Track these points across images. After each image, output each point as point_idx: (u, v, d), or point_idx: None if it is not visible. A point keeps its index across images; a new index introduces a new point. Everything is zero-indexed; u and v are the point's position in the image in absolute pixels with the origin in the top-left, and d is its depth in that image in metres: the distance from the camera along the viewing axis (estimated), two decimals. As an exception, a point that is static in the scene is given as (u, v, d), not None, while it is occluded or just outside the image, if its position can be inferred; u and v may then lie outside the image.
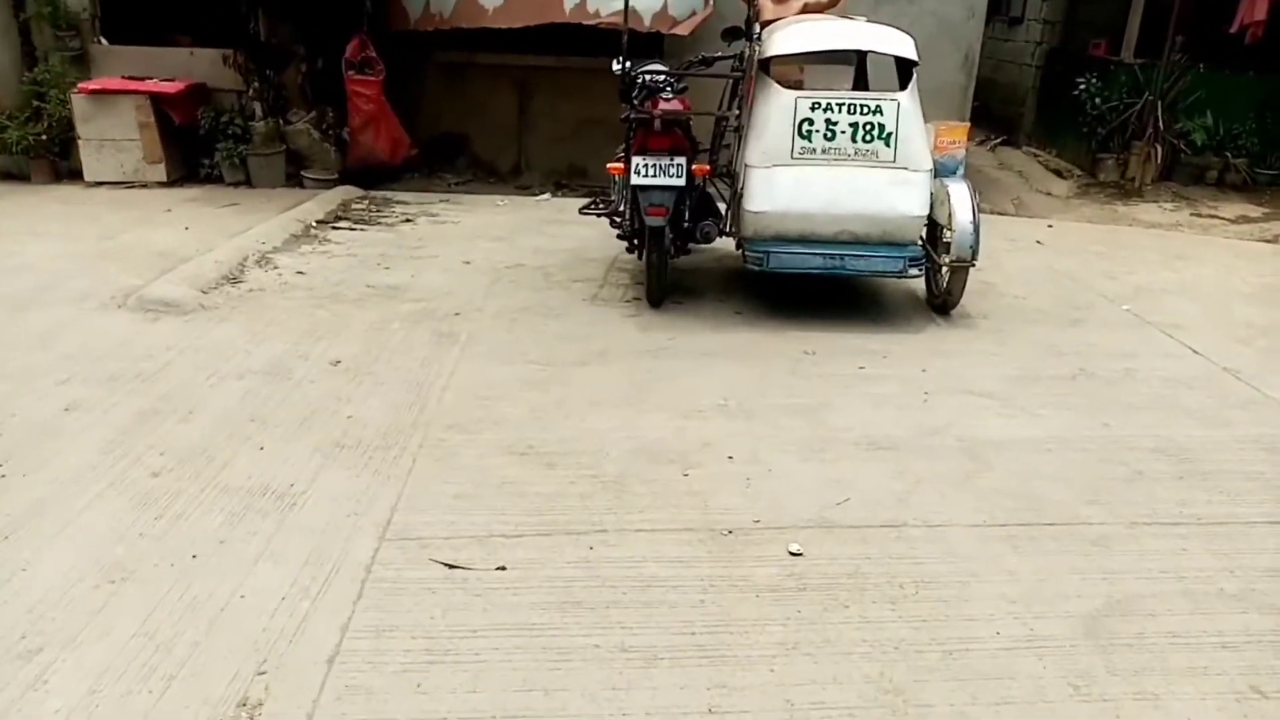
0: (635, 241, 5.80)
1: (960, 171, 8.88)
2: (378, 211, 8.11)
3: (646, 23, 8.81)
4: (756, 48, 5.52)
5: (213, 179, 8.98)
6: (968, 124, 9.12)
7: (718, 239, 5.62)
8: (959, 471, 3.79)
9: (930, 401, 4.47)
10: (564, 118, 9.79)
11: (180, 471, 3.65)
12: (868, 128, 5.24)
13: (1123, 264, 7.20)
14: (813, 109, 5.23)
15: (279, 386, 4.47)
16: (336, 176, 8.98)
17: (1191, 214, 9.80)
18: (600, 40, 9.09)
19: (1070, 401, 4.54)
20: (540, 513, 3.41)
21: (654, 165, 5.28)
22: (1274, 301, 6.40)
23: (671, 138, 5.30)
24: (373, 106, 8.99)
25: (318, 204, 8.06)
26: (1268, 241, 8.57)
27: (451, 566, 3.07)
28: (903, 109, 5.25)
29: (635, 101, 5.87)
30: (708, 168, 5.57)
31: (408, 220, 7.81)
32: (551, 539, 3.24)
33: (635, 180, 5.30)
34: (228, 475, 3.63)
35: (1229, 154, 10.49)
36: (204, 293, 5.75)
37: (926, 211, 5.36)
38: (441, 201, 8.55)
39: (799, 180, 5.28)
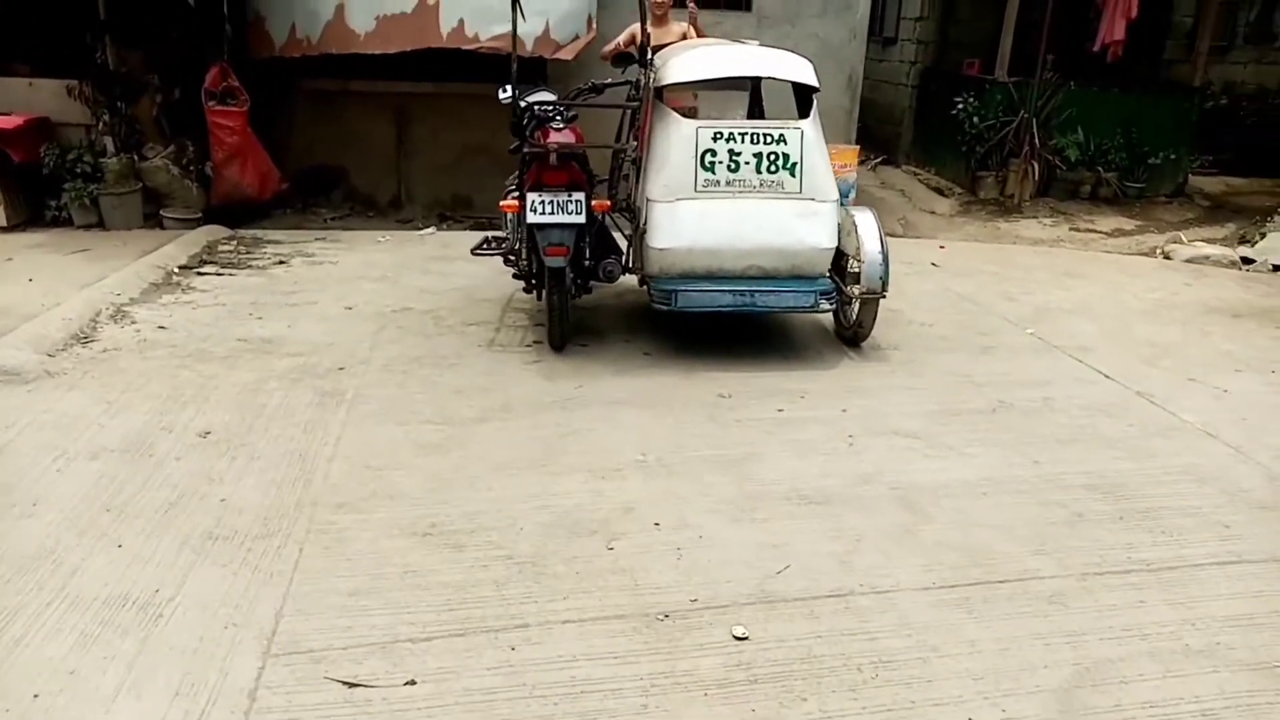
0: (533, 282, 5.44)
1: (852, 195, 8.84)
2: (247, 253, 7.53)
3: (529, 47, 8.49)
4: (651, 74, 5.26)
5: (60, 222, 8.22)
6: (856, 147, 9.10)
7: (621, 276, 5.31)
8: (898, 525, 3.56)
9: (856, 445, 4.26)
10: (446, 146, 9.39)
11: (19, 582, 3.12)
12: (772, 158, 5.03)
13: (1017, 284, 7.22)
14: (715, 139, 5.00)
15: (139, 466, 3.94)
16: (200, 215, 8.34)
17: (1070, 229, 10.03)
18: (480, 65, 8.74)
19: (996, 437, 4.40)
20: (451, 607, 3.02)
21: (551, 202, 4.95)
22: (1168, 319, 6.48)
23: (568, 172, 4.98)
24: (237, 139, 8.40)
25: (180, 247, 7.43)
26: (1146, 255, 8.79)
27: (352, 685, 2.65)
28: (806, 138, 5.06)
29: (526, 133, 5.55)
30: (608, 203, 5.27)
31: (281, 262, 7.26)
32: (466, 640, 2.86)
33: (532, 218, 4.95)
34: (79, 583, 3.12)
35: (1100, 169, 10.81)
36: (50, 356, 5.13)
37: (835, 243, 5.18)
38: (317, 240, 8.01)
39: (703, 214, 5.02)
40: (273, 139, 8.82)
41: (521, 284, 5.63)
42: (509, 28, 8.37)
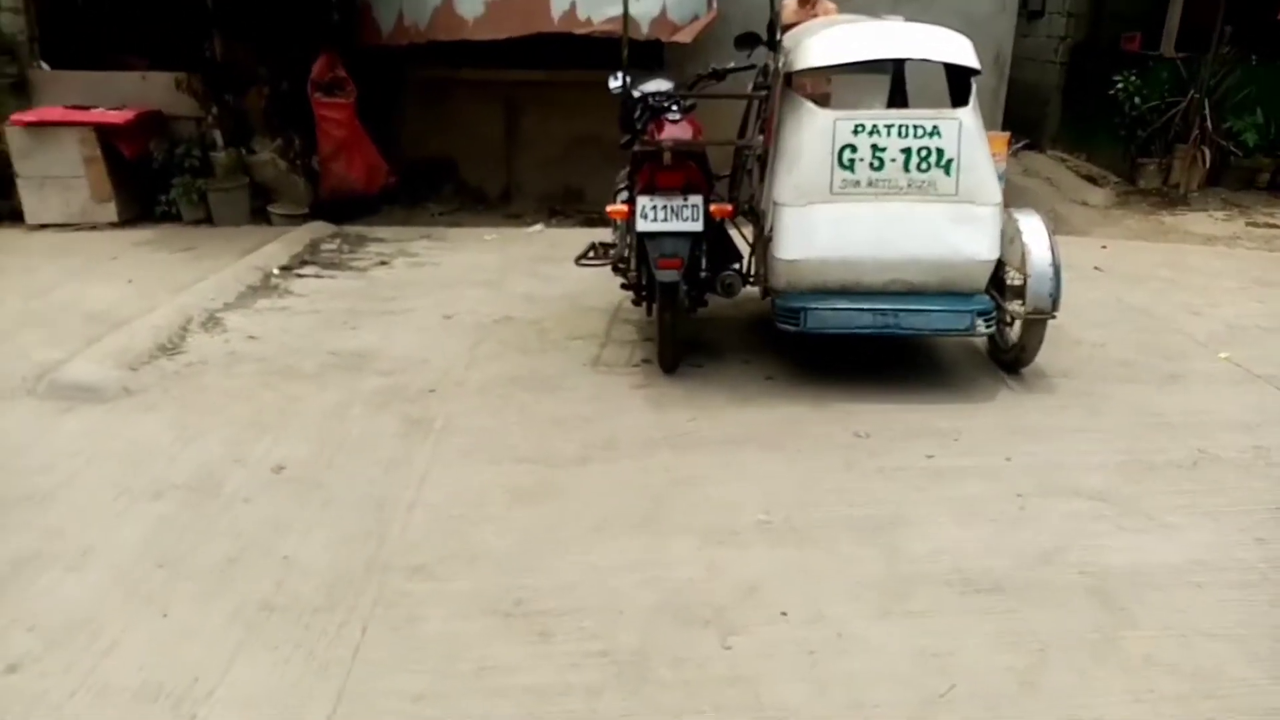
0: (642, 295, 4.87)
1: (1000, 188, 7.93)
2: (350, 252, 7.18)
3: (644, 30, 7.90)
4: (781, 58, 4.59)
5: (170, 217, 8.06)
6: (1006, 134, 8.18)
7: (742, 290, 4.68)
8: (1093, 629, 2.84)
9: (1028, 509, 3.53)
10: (556, 137, 8.88)
11: (49, 661, 2.72)
12: (923, 154, 4.30)
13: (1200, 293, 6.26)
14: (856, 133, 4.30)
15: (203, 509, 3.53)
16: (307, 211, 8.07)
17: (1247, 223, 8.85)
18: (593, 50, 8.19)
19: (1203, 502, 3.60)
20: (531, 723, 2.48)
21: (664, 207, 4.35)
22: (1394, 339, 5.46)
23: (685, 173, 4.37)
24: (344, 132, 8.09)
25: (282, 246, 7.13)
26: (1350, 256, 7.63)
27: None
28: (965, 130, 4.32)
29: (638, 126, 4.97)
30: (729, 208, 4.63)
31: (383, 263, 6.88)
32: (548, 775, 2.31)
33: (642, 226, 4.36)
34: (111, 666, 2.70)
35: (1281, 154, 9.57)
36: (133, 370, 4.82)
37: (997, 254, 4.42)
38: (422, 238, 7.61)
39: (841, 220, 4.34)
40: (381, 131, 8.49)
41: (630, 295, 5.06)
42: (622, 9, 7.94)
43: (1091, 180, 10.22)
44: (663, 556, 3.21)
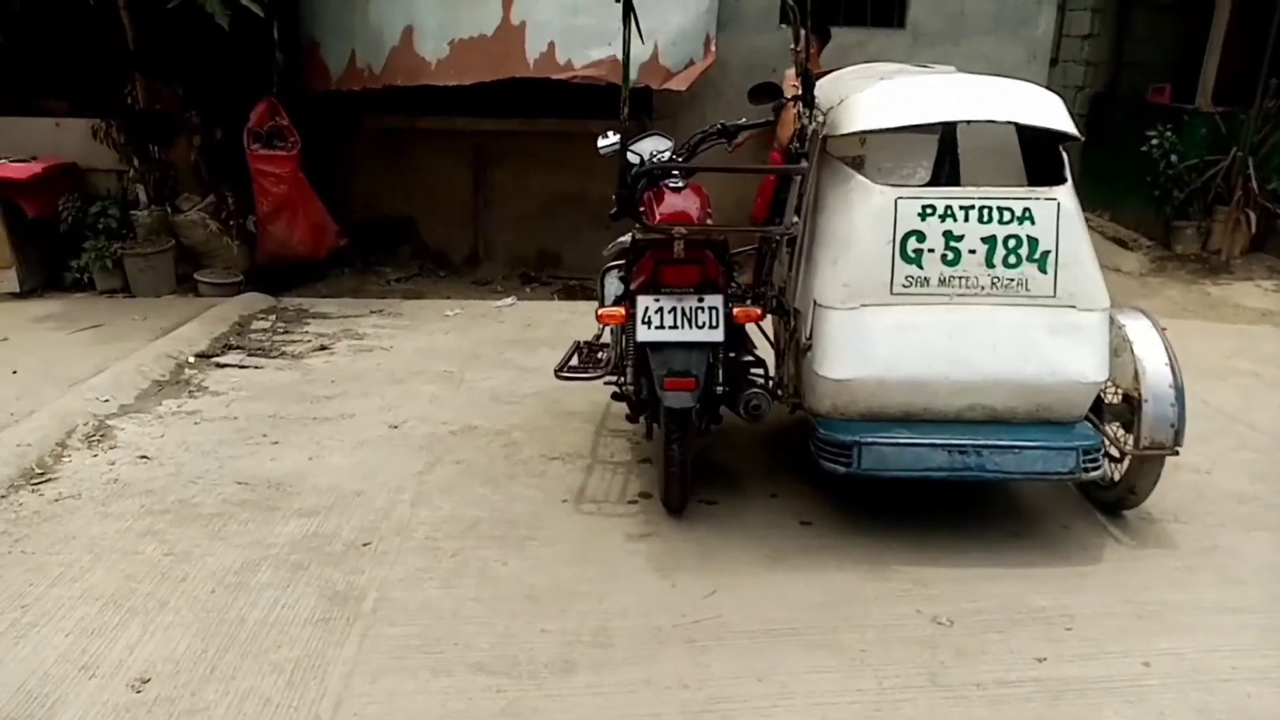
0: (641, 412, 3.81)
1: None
2: (285, 333, 6.08)
3: (633, 76, 6.89)
4: (819, 118, 3.59)
5: (82, 286, 7.00)
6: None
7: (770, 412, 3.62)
8: None
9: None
10: (531, 194, 7.88)
11: None
12: (1012, 244, 3.30)
13: (1295, 390, 5.30)
14: (924, 216, 3.29)
15: (10, 770, 2.41)
16: (240, 279, 7.00)
17: (1302, 296, 7.96)
18: (573, 97, 7.24)
19: None
20: None
21: (673, 310, 3.31)
22: None
23: (700, 266, 3.34)
24: (286, 188, 7.02)
25: (204, 325, 6.02)
26: None
27: None
28: (1065, 214, 3.32)
29: (630, 192, 3.99)
30: (758, 311, 3.56)
31: (323, 348, 5.78)
32: None
33: (645, 335, 3.32)
34: None
35: (1334, 218, 8.71)
36: (-23, 510, 3.70)
37: (1106, 373, 3.40)
38: (373, 313, 6.52)
39: (905, 329, 3.32)
40: (329, 187, 7.46)
41: (625, 406, 4.00)
42: (609, 51, 6.95)
43: (1121, 243, 9.34)
44: None
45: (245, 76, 6.99)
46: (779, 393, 3.72)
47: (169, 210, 7.07)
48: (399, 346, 5.82)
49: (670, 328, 3.31)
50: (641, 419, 3.92)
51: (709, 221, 4.49)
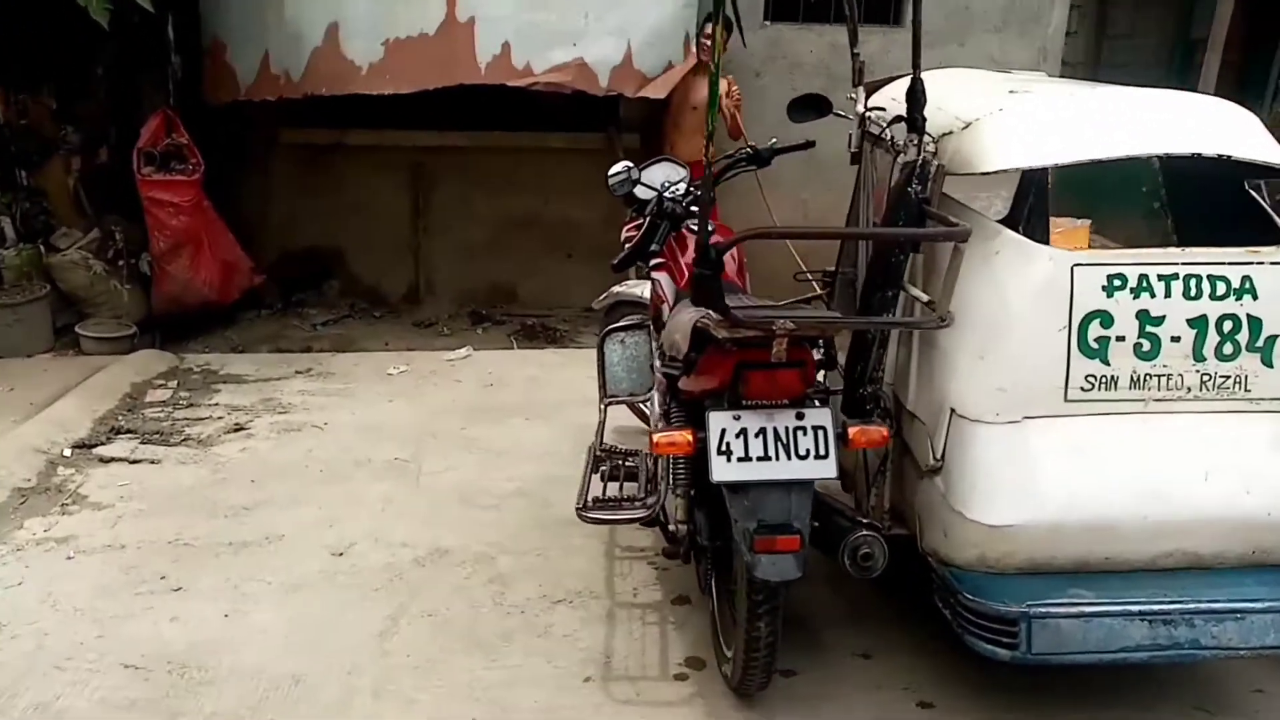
0: (692, 552, 2.78)
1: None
2: (189, 405, 4.89)
3: (603, 81, 5.91)
4: (930, 143, 2.59)
5: (-66, 343, 5.65)
6: (1085, 223, 6.34)
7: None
8: None
9: None
10: (480, 218, 6.80)
11: None
12: (1227, 328, 2.36)
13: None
14: (1110, 290, 2.33)
15: None
16: (133, 331, 5.78)
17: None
18: (528, 107, 6.21)
19: None
20: None
21: (764, 433, 2.28)
22: None
23: (803, 369, 2.30)
24: (186, 219, 5.85)
25: (85, 399, 4.80)
26: None
27: None
28: (1292, 284, 2.38)
29: (646, 235, 3.09)
30: (884, 432, 2.48)
31: (238, 427, 4.61)
32: None
33: (726, 473, 2.28)
34: None
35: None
36: None
37: (1352, 503, 2.47)
38: (299, 373, 5.35)
39: (1087, 451, 2.35)
40: (241, 215, 6.31)
41: (665, 538, 2.95)
42: (574, 53, 5.88)
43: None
44: None
45: (134, 86, 5.78)
46: (883, 525, 2.69)
47: (42, 249, 5.82)
48: (334, 422, 4.68)
49: (759, 459, 2.28)
50: (680, 552, 2.87)
51: (745, 276, 3.51)
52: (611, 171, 3.24)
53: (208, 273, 5.97)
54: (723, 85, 5.89)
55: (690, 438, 2.36)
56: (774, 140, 3.63)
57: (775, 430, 2.29)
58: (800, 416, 2.30)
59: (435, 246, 6.84)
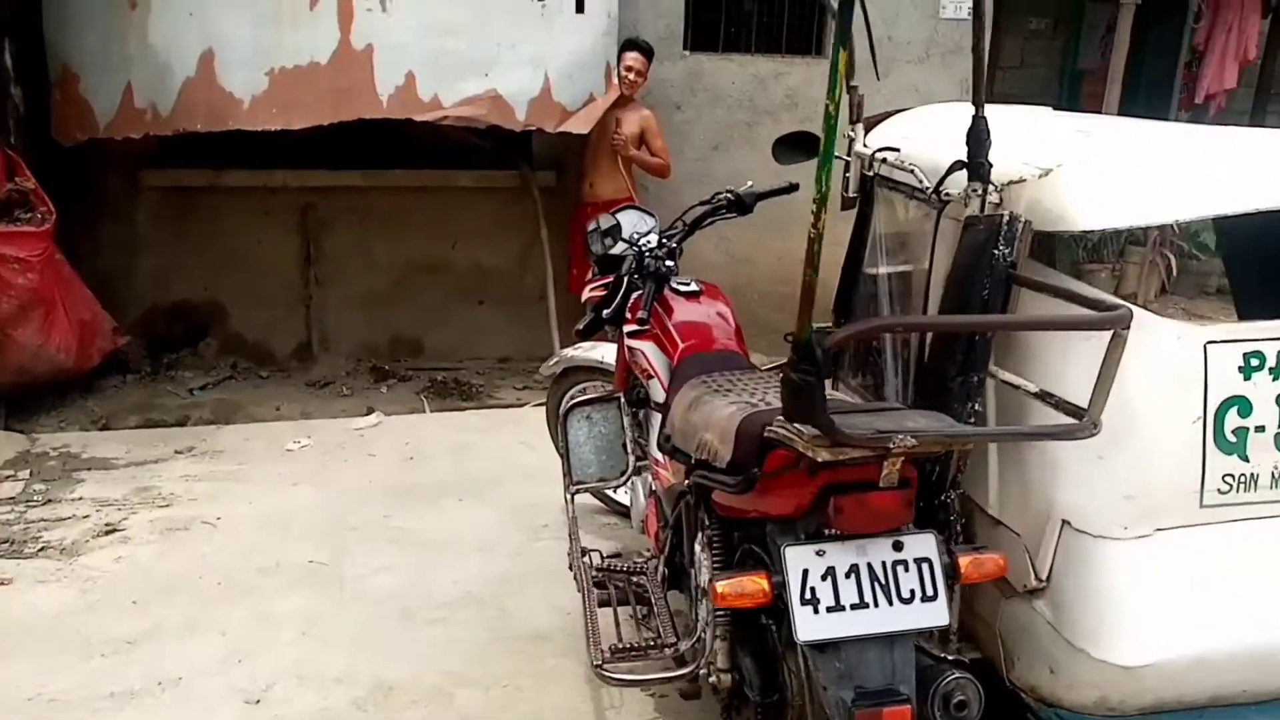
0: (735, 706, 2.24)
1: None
2: (46, 502, 4.07)
3: (520, 115, 5.39)
4: (994, 193, 2.17)
5: None
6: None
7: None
8: None
9: None
10: (379, 265, 6.14)
11: None
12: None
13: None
14: (1248, 371, 1.94)
15: None
16: (-30, 409, 4.84)
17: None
18: (430, 142, 5.65)
19: None
20: None
21: (856, 572, 1.78)
22: None
23: (908, 492, 1.81)
24: (35, 276, 5.00)
25: (-91, 503, 3.91)
26: None
27: None
28: None
29: (619, 295, 2.64)
30: (1002, 561, 2.00)
31: (110, 529, 3.83)
32: None
33: (814, 629, 1.76)
34: None
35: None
36: None
37: None
38: (179, 453, 4.58)
39: (1231, 565, 1.93)
40: (101, 269, 5.48)
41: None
42: (487, 84, 5.31)
43: (1032, 288, 8.57)
44: None
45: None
46: (966, 656, 2.22)
47: None
48: (229, 516, 3.95)
49: (854, 607, 1.77)
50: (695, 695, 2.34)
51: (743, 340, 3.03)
52: (600, 229, 2.74)
53: (62, 336, 5.11)
54: (633, 120, 5.47)
55: (767, 586, 1.83)
56: (750, 184, 3.21)
57: (870, 567, 1.79)
58: (898, 547, 1.81)
59: (329, 297, 6.12)
